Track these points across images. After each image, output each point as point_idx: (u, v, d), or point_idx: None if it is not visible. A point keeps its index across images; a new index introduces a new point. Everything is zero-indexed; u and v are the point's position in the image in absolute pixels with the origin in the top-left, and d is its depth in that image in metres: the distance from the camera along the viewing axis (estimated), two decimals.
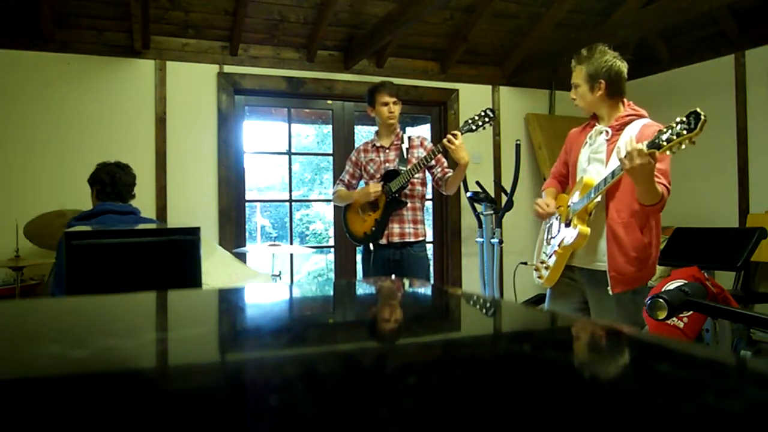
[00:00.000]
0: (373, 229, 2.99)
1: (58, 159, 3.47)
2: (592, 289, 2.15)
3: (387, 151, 3.07)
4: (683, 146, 1.84)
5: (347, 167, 3.16)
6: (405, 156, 3.06)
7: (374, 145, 3.10)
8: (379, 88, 3.04)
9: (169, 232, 1.64)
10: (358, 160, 3.12)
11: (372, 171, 3.06)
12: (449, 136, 2.80)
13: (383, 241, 2.97)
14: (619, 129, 2.13)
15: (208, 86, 3.84)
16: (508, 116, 4.67)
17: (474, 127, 2.86)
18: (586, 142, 2.26)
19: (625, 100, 2.20)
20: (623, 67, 2.18)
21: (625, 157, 1.88)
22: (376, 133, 3.14)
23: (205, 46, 3.82)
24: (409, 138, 3.14)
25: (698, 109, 1.81)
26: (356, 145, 3.29)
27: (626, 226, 2.05)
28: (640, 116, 2.14)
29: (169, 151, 3.72)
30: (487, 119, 2.86)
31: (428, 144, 3.13)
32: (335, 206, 4.31)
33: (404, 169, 2.97)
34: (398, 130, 3.12)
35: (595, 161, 2.18)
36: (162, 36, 3.69)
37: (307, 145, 8.72)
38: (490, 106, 4.60)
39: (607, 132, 2.16)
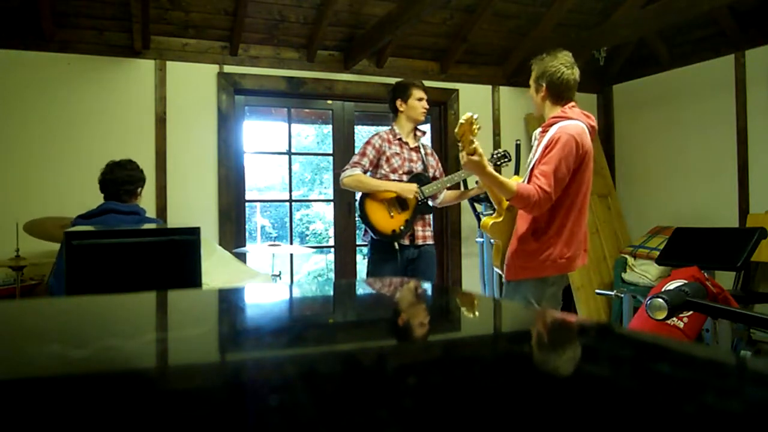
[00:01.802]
0: (402, 228, 2.97)
1: (58, 159, 3.47)
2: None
3: (411, 150, 3.09)
4: (475, 141, 2.07)
5: (368, 152, 3.01)
6: (425, 162, 3.11)
7: (399, 138, 3.07)
8: (416, 83, 3.07)
9: (169, 232, 1.64)
10: (382, 147, 3.02)
11: (396, 165, 3.03)
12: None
13: (405, 241, 3.00)
14: (544, 131, 2.25)
15: (208, 86, 3.83)
16: (508, 116, 4.67)
17: (498, 164, 2.99)
18: (531, 147, 2.44)
19: (570, 105, 2.24)
20: (570, 75, 2.21)
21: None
22: (396, 125, 3.09)
23: (205, 46, 3.82)
24: (423, 145, 3.18)
25: (469, 113, 2.06)
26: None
27: (521, 217, 2.24)
28: (567, 118, 2.18)
29: (169, 151, 3.71)
30: (505, 159, 3.01)
31: (435, 155, 3.25)
32: (335, 205, 4.32)
33: (429, 175, 3.08)
34: (419, 133, 3.16)
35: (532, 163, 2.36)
36: (162, 36, 3.69)
37: (307, 145, 8.72)
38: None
39: (536, 137, 2.34)
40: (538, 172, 2.11)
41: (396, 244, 2.97)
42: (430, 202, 3.11)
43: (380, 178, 3.02)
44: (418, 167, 3.08)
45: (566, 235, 2.20)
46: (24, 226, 3.01)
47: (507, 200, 2.18)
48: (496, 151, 3.04)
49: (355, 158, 3.04)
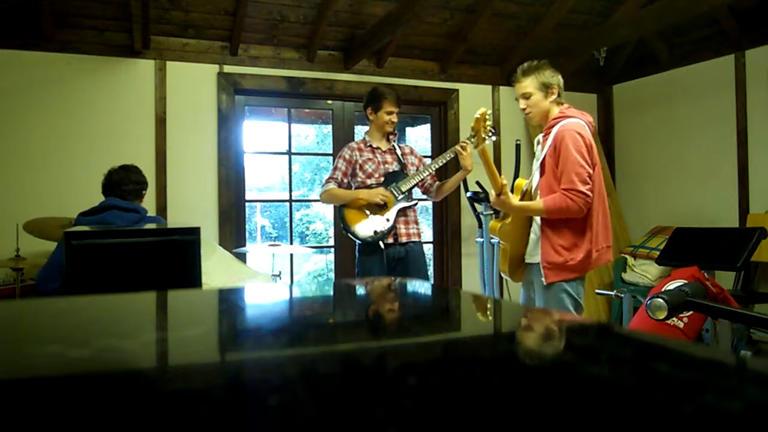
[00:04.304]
0: (384, 228, 3.02)
1: (58, 159, 3.47)
2: (536, 282, 2.37)
3: (384, 153, 3.14)
4: (500, 176, 2.28)
5: (339, 165, 3.12)
6: (402, 161, 3.14)
7: (369, 145, 3.14)
8: (387, 96, 3.07)
9: (169, 232, 1.64)
10: (353, 158, 3.11)
11: (370, 170, 3.08)
12: (462, 144, 2.93)
13: (389, 240, 3.02)
14: (547, 133, 2.34)
15: (208, 86, 3.83)
16: (508, 116, 4.67)
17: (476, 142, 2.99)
18: (534, 154, 2.53)
19: (566, 106, 2.38)
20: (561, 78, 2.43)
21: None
22: (368, 134, 3.18)
23: (205, 46, 3.82)
24: (399, 146, 3.22)
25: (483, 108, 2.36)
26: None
27: (552, 220, 2.26)
28: (567, 117, 2.29)
29: (169, 151, 3.71)
30: (489, 134, 2.97)
31: (417, 153, 3.27)
32: (335, 205, 4.31)
33: (405, 172, 3.09)
34: (391, 136, 3.20)
35: (538, 168, 2.41)
36: (162, 36, 3.69)
37: (307, 145, 8.71)
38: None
39: (539, 141, 2.42)
40: (560, 178, 2.19)
41: (381, 243, 3.02)
42: (433, 198, 3.22)
43: (359, 185, 3.10)
44: (394, 168, 3.12)
45: (599, 226, 2.26)
46: (24, 226, 3.01)
47: (547, 217, 2.25)
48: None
49: (330, 173, 3.17)
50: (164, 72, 3.71)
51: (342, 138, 4.33)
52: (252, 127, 7.09)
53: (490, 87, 4.63)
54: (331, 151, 4.38)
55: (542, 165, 2.29)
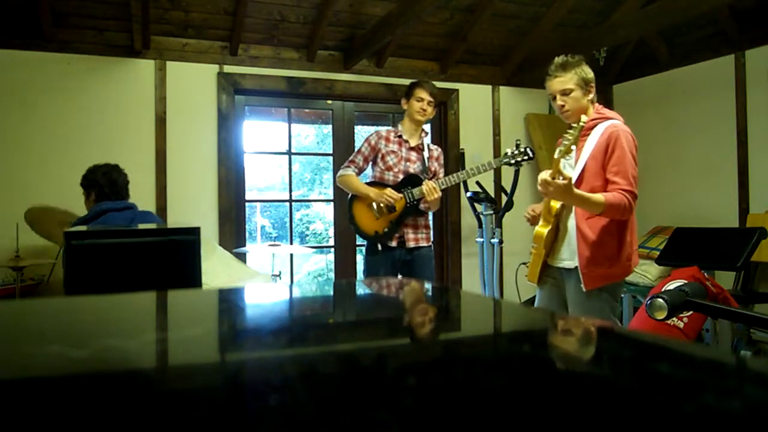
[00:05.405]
0: (386, 230, 2.96)
1: (59, 159, 3.47)
2: (570, 287, 2.26)
3: (410, 150, 3.06)
4: (572, 151, 2.16)
5: (363, 148, 3.05)
6: (426, 163, 3.06)
7: (399, 135, 3.06)
8: (421, 83, 3.06)
9: (169, 232, 1.64)
10: (377, 145, 3.04)
11: (391, 163, 3.01)
12: (432, 186, 2.88)
13: (393, 243, 2.97)
14: (585, 134, 2.23)
15: (208, 86, 3.83)
16: (508, 116, 4.67)
17: (512, 162, 2.93)
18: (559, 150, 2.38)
19: (600, 106, 2.33)
20: None
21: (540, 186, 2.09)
22: (401, 123, 3.11)
23: (205, 46, 3.82)
24: (429, 146, 3.13)
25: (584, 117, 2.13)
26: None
27: (591, 225, 2.16)
28: (607, 118, 2.24)
29: (169, 151, 3.71)
30: (526, 157, 2.92)
31: (441, 160, 3.18)
32: (335, 205, 4.32)
33: (426, 177, 2.99)
34: (423, 133, 3.12)
35: (568, 166, 2.27)
36: (162, 36, 3.69)
37: (307, 145, 8.72)
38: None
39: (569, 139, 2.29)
40: (614, 176, 2.11)
41: (379, 245, 2.96)
42: (421, 206, 2.99)
43: (376, 176, 3.04)
44: (415, 168, 3.03)
45: (634, 229, 2.22)
46: (26, 213, 3.00)
47: (598, 214, 2.11)
48: (514, 149, 2.92)
49: (352, 156, 3.09)
50: (164, 72, 3.71)
51: (342, 138, 4.33)
52: (252, 127, 7.09)
53: (490, 87, 4.63)
54: (331, 151, 4.39)
55: (583, 169, 2.18)
